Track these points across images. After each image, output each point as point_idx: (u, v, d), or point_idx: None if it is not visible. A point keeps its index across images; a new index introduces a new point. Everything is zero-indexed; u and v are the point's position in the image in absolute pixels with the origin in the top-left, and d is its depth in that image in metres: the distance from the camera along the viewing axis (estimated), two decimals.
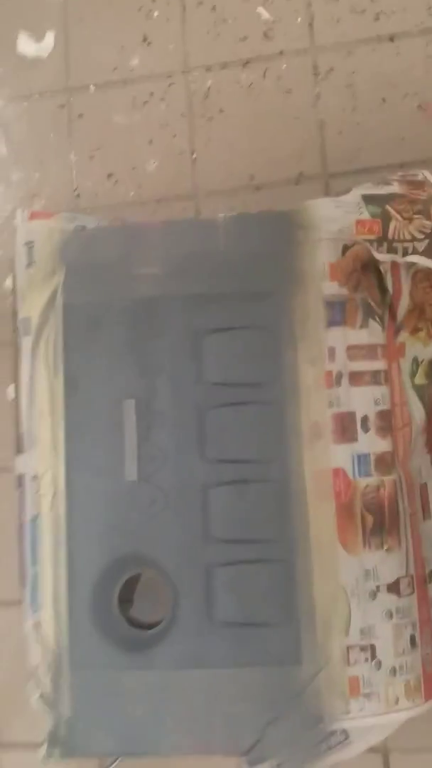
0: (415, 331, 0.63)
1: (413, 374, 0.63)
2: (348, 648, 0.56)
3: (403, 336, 0.63)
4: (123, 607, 0.59)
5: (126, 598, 0.60)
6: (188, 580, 0.57)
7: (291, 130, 0.84)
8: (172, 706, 0.56)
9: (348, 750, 0.56)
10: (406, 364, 0.63)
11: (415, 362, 0.64)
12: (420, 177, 0.65)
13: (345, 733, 0.55)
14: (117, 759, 0.60)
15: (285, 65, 0.85)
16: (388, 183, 0.64)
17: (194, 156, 0.87)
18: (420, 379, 0.63)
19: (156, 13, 0.90)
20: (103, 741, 0.58)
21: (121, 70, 0.91)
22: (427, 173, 0.66)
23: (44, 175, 0.91)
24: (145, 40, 0.91)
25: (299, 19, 0.85)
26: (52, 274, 0.61)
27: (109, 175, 0.89)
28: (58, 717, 0.58)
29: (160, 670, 0.57)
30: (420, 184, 0.64)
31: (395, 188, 0.63)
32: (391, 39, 0.82)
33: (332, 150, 0.82)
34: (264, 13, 0.87)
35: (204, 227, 0.60)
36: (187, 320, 0.59)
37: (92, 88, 0.92)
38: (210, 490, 0.58)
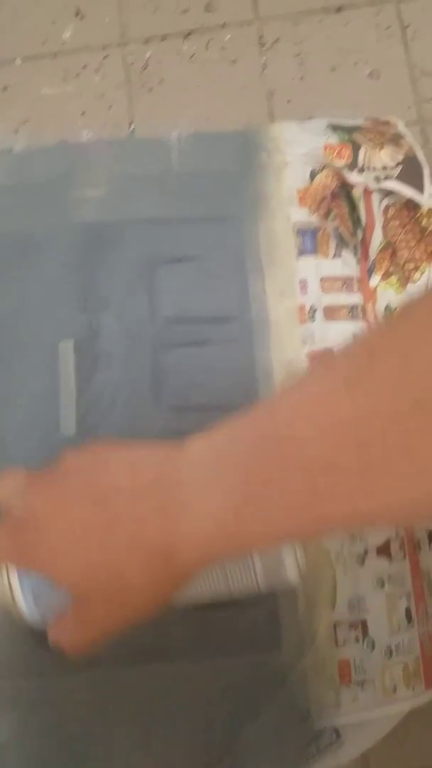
0: (387, 275, 0.57)
1: None
2: (335, 625, 0.46)
3: (375, 280, 0.56)
4: None
5: None
6: None
7: (237, 99, 0.79)
8: (121, 712, 0.44)
9: (340, 753, 0.45)
10: (379, 311, 0.56)
11: (389, 310, 0.57)
12: (384, 119, 0.61)
13: (336, 732, 0.45)
14: None
15: (229, 36, 0.81)
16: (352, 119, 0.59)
17: (132, 127, 0.81)
18: None
19: None
20: None
21: (51, 43, 0.85)
22: (392, 117, 0.62)
23: None
24: (78, 14, 0.86)
25: None
26: None
27: None
28: None
29: (103, 668, 0.45)
30: (385, 123, 0.60)
31: (360, 122, 0.58)
32: (339, 10, 0.80)
33: (281, 119, 0.78)
34: None
35: (155, 146, 0.53)
36: (137, 248, 0.51)
37: (18, 61, 0.85)
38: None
